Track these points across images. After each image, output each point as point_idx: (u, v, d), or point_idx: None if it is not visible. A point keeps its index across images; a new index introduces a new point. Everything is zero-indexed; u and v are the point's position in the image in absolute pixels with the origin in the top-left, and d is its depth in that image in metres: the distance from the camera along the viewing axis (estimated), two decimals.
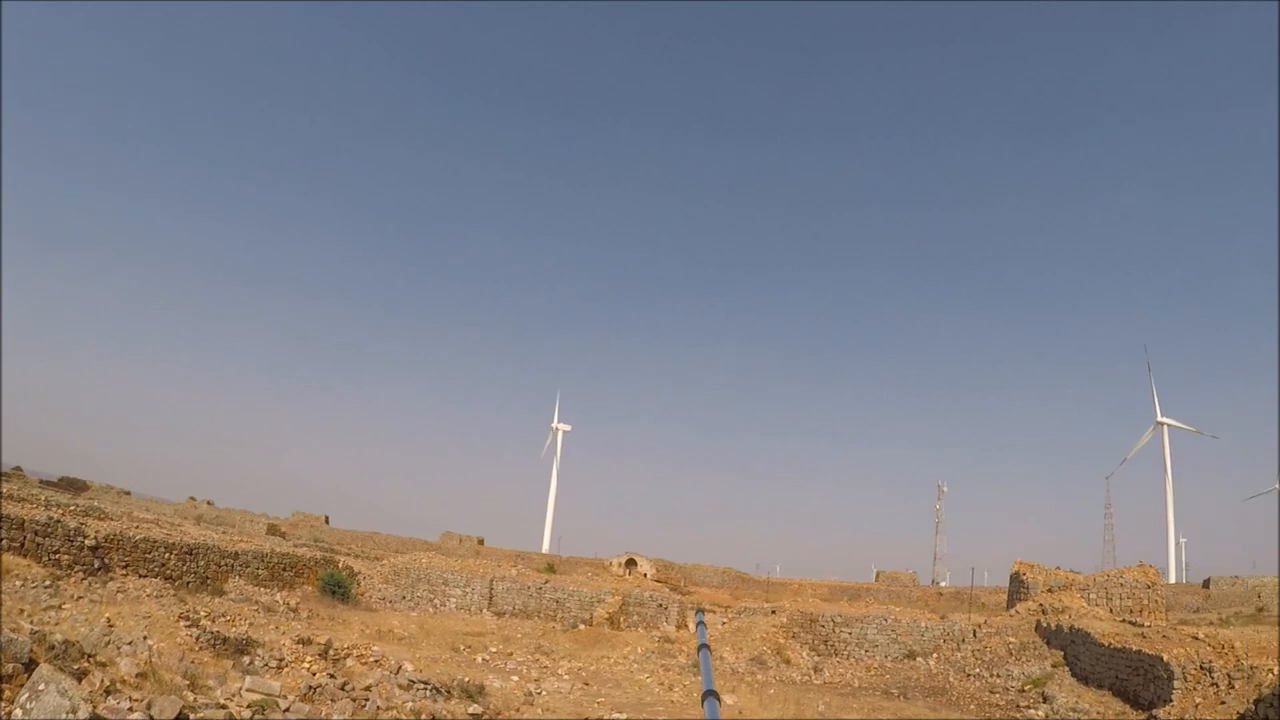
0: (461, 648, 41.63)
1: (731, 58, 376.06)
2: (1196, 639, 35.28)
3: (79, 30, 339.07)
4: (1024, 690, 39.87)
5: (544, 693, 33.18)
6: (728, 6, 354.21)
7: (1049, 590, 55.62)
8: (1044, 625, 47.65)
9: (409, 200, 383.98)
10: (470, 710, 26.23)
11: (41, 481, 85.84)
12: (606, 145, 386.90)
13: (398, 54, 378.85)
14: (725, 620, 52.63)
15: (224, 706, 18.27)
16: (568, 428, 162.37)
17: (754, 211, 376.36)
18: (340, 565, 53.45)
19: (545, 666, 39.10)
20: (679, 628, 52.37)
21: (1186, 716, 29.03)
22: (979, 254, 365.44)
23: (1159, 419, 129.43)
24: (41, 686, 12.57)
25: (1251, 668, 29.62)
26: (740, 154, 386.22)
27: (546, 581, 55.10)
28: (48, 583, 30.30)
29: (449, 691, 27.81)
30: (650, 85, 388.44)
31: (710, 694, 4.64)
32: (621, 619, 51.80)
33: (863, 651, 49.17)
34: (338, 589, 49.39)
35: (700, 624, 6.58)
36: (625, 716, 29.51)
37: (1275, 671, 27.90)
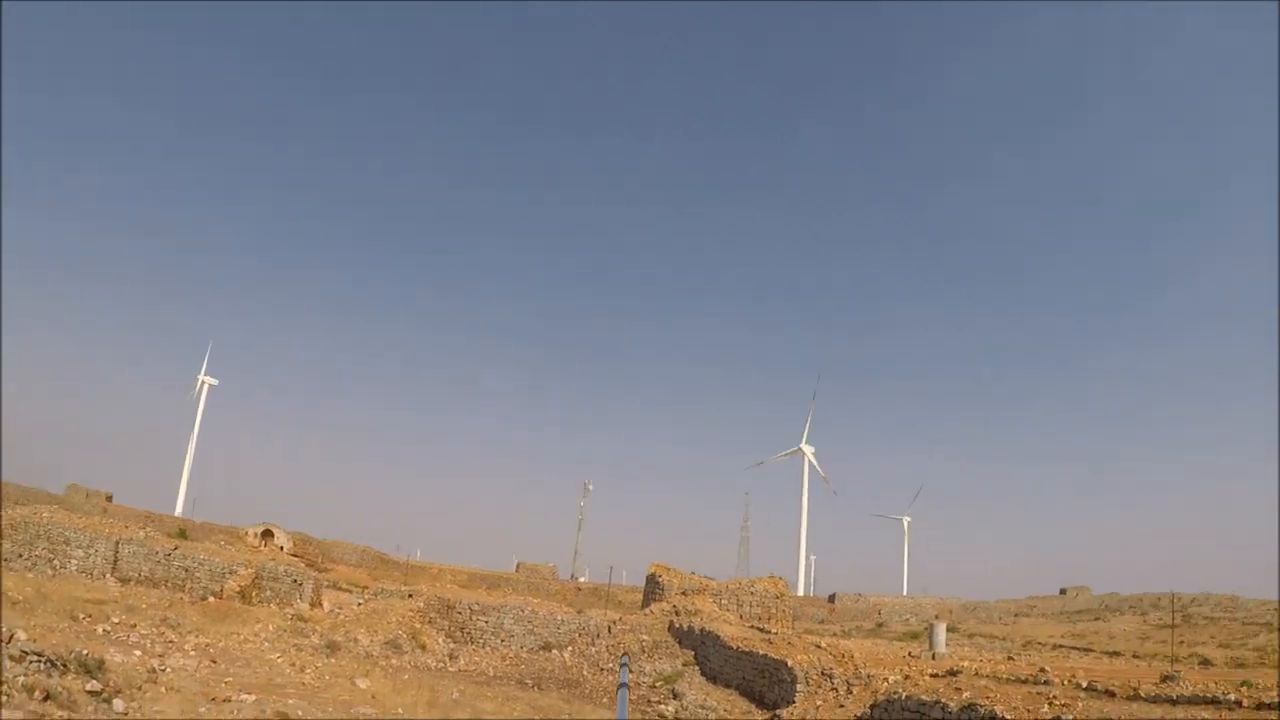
0: (81, 616, 38.42)
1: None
2: (819, 647, 37.39)
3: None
4: (655, 686, 40.94)
5: (169, 670, 31.05)
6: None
7: (683, 593, 57.63)
8: (677, 626, 49.25)
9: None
10: (88, 687, 24.16)
11: None
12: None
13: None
14: (361, 601, 51.39)
15: None
16: (215, 382, 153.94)
17: (402, 179, 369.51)
18: None
19: (171, 641, 36.68)
20: (313, 606, 50.58)
21: (808, 716, 30.61)
22: (632, 247, 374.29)
23: (802, 446, 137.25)
24: None
25: (869, 675, 31.62)
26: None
27: (176, 548, 51.84)
28: None
29: (65, 665, 25.62)
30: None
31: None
32: (254, 593, 49.47)
33: (499, 641, 49.18)
34: None
35: (624, 666, 6.25)
36: (254, 698, 28.10)
37: (890, 680, 29.83)
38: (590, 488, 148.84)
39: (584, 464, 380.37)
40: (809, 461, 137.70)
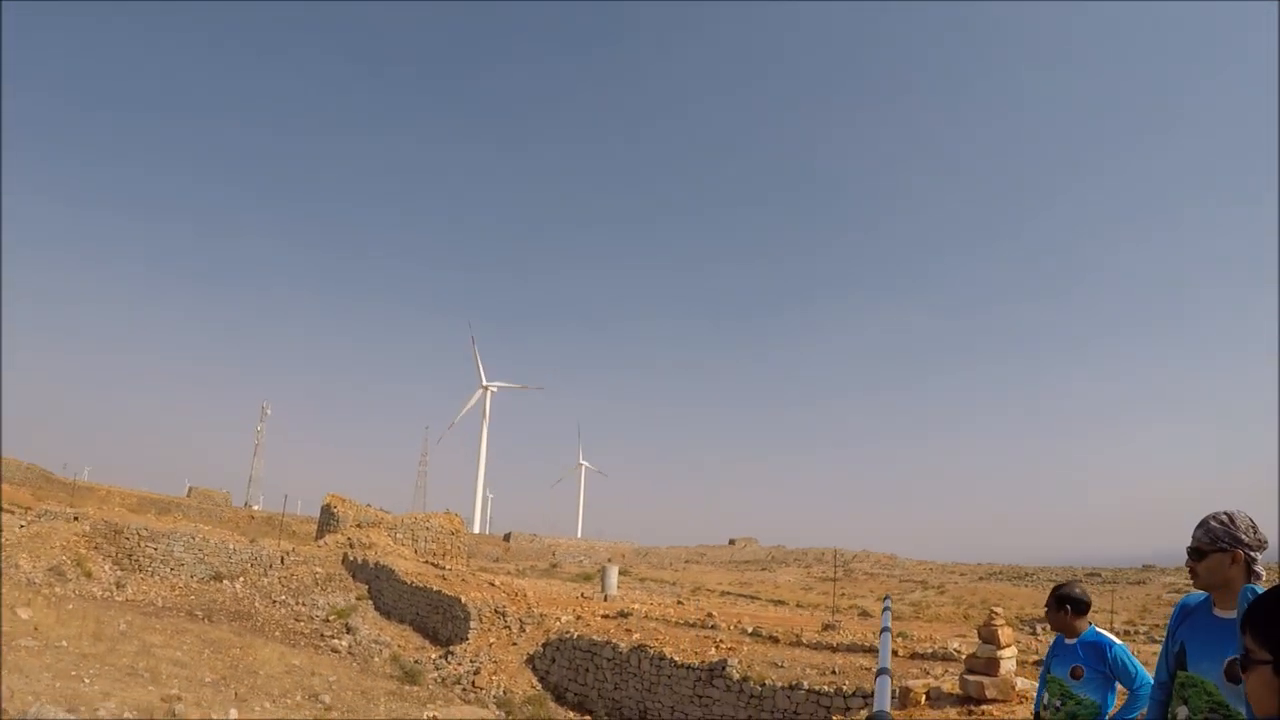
0: None
1: None
2: (493, 585, 38.85)
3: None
4: (329, 620, 41.26)
5: None
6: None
7: (359, 525, 57.90)
8: (351, 559, 49.58)
9: None
10: None
11: None
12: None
13: None
14: (24, 524, 48.92)
15: None
16: None
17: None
18: None
19: None
20: None
21: (481, 655, 31.90)
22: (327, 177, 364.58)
23: (485, 383, 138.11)
24: None
25: (542, 615, 33.29)
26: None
27: None
28: None
29: None
30: None
31: (883, 671, 4.90)
32: None
33: (169, 570, 47.90)
34: None
35: (887, 609, 6.67)
36: None
37: (563, 620, 31.45)
38: (269, 411, 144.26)
39: (263, 386, 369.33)
40: (490, 398, 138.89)
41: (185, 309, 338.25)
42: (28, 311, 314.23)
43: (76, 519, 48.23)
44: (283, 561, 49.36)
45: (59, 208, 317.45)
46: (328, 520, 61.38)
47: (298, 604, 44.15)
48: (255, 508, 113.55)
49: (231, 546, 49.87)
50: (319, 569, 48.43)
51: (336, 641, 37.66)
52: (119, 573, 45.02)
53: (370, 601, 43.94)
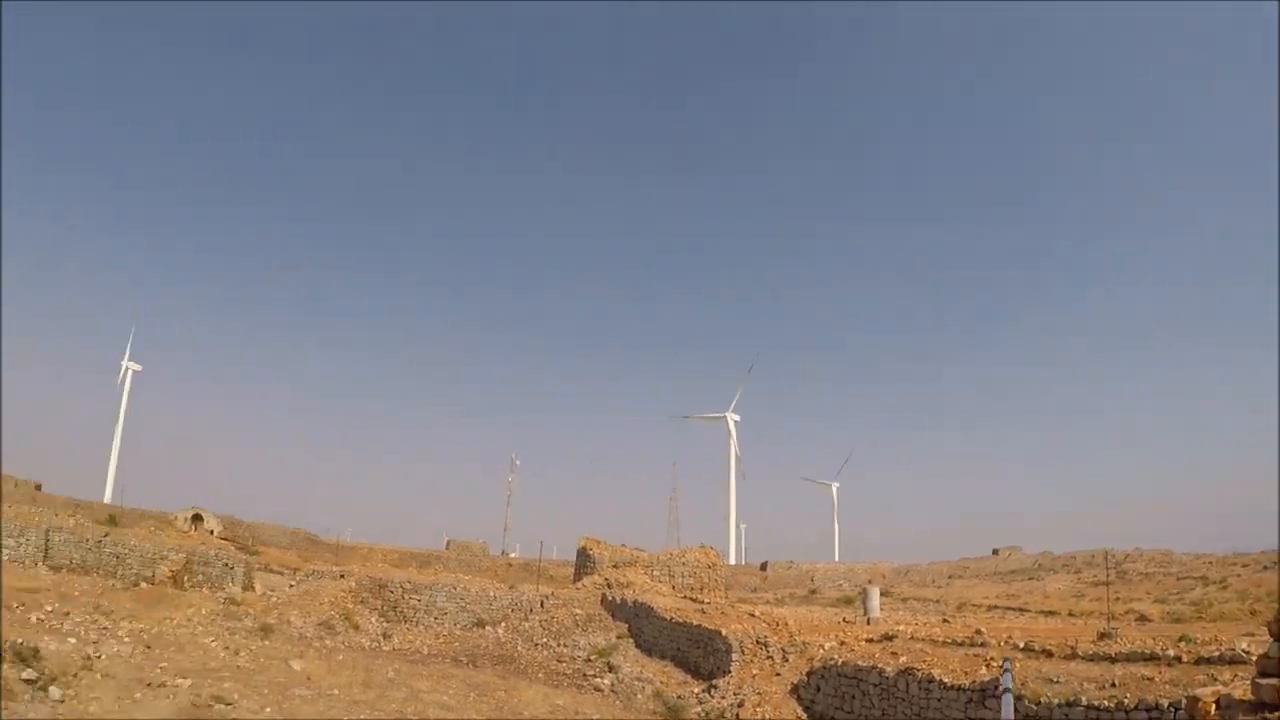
0: (15, 605, 37.63)
1: None
2: (753, 616, 37.83)
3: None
4: (590, 660, 41.10)
5: (103, 656, 30.66)
6: None
7: (615, 566, 57.85)
8: (609, 599, 49.49)
9: None
10: (24, 676, 23.88)
11: None
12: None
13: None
14: (294, 583, 50.95)
15: None
16: (139, 368, 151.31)
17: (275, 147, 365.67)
18: None
19: (105, 628, 36.16)
20: (246, 589, 50.13)
21: (744, 686, 30.94)
22: (549, 218, 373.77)
23: (727, 414, 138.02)
24: None
25: (804, 643, 32.05)
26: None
27: (107, 535, 51.03)
28: None
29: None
30: None
31: None
32: (186, 578, 48.82)
33: (432, 619, 48.99)
34: None
35: (1006, 672, 6.26)
36: (189, 683, 27.87)
37: (826, 647, 30.25)
38: (517, 462, 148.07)
39: (510, 439, 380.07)
40: (731, 431, 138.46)
41: (426, 365, 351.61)
42: (283, 393, 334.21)
43: (342, 576, 49.92)
44: (543, 605, 49.74)
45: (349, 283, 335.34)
46: (584, 562, 61.78)
47: (559, 645, 44.29)
48: (512, 555, 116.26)
49: (492, 594, 50.64)
50: (578, 610, 48.55)
51: (599, 680, 37.41)
52: (385, 624, 46.26)
53: (630, 640, 43.62)
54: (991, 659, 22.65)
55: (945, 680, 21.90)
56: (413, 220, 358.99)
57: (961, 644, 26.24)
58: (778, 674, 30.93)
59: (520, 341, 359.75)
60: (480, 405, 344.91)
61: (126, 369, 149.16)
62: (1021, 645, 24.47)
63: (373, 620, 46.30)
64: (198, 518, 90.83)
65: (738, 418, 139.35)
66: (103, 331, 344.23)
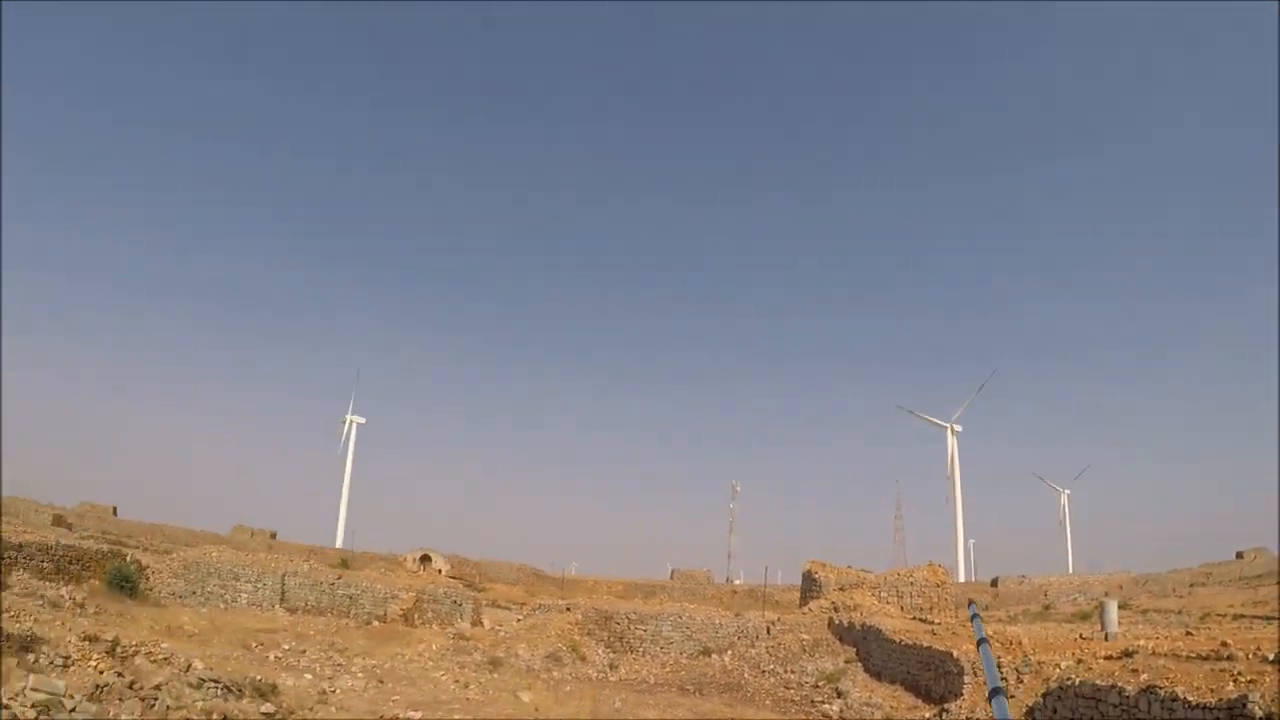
0: (253, 645, 39.68)
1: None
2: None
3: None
4: (818, 685, 40.30)
5: (338, 691, 31.87)
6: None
7: (841, 589, 56.73)
8: (836, 622, 48.48)
9: (172, 171, 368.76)
10: (263, 709, 24.92)
11: None
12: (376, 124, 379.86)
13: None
14: (520, 617, 51.87)
15: (6, 706, 16.81)
16: (362, 420, 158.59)
17: (534, 195, 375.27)
18: (129, 559, 50.34)
19: (339, 664, 37.63)
20: (474, 624, 51.36)
21: (976, 710, 29.70)
22: (765, 246, 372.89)
23: (951, 424, 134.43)
24: None
25: (1039, 662, 30.50)
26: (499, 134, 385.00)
27: (340, 577, 53.24)
28: None
29: (241, 690, 26.43)
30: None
31: (998, 691, 4.12)
32: (416, 616, 50.45)
33: (658, 648, 49.03)
34: (126, 583, 46.57)
35: (975, 616, 6.01)
36: (420, 715, 28.56)
37: (1062, 666, 28.75)
38: (738, 489, 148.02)
39: (730, 466, 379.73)
40: (952, 443, 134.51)
41: (641, 396, 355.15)
42: (502, 433, 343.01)
43: (568, 609, 50.51)
44: (769, 631, 49.14)
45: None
46: (809, 587, 60.83)
47: (786, 672, 43.60)
48: (737, 582, 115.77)
49: (717, 621, 50.36)
50: (805, 635, 47.73)
51: (827, 707, 36.61)
52: (611, 655, 46.53)
53: (859, 664, 42.56)
54: (1239, 674, 20.98)
55: (1190, 699, 20.37)
56: (611, 250, 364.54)
57: (1206, 658, 24.43)
58: (1012, 696, 29.52)
59: (734, 364, 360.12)
60: (698, 433, 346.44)
61: (350, 422, 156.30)
62: (1271, 657, 22.64)
63: (599, 651, 46.66)
64: (426, 558, 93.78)
65: (960, 429, 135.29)
66: (323, 379, 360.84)
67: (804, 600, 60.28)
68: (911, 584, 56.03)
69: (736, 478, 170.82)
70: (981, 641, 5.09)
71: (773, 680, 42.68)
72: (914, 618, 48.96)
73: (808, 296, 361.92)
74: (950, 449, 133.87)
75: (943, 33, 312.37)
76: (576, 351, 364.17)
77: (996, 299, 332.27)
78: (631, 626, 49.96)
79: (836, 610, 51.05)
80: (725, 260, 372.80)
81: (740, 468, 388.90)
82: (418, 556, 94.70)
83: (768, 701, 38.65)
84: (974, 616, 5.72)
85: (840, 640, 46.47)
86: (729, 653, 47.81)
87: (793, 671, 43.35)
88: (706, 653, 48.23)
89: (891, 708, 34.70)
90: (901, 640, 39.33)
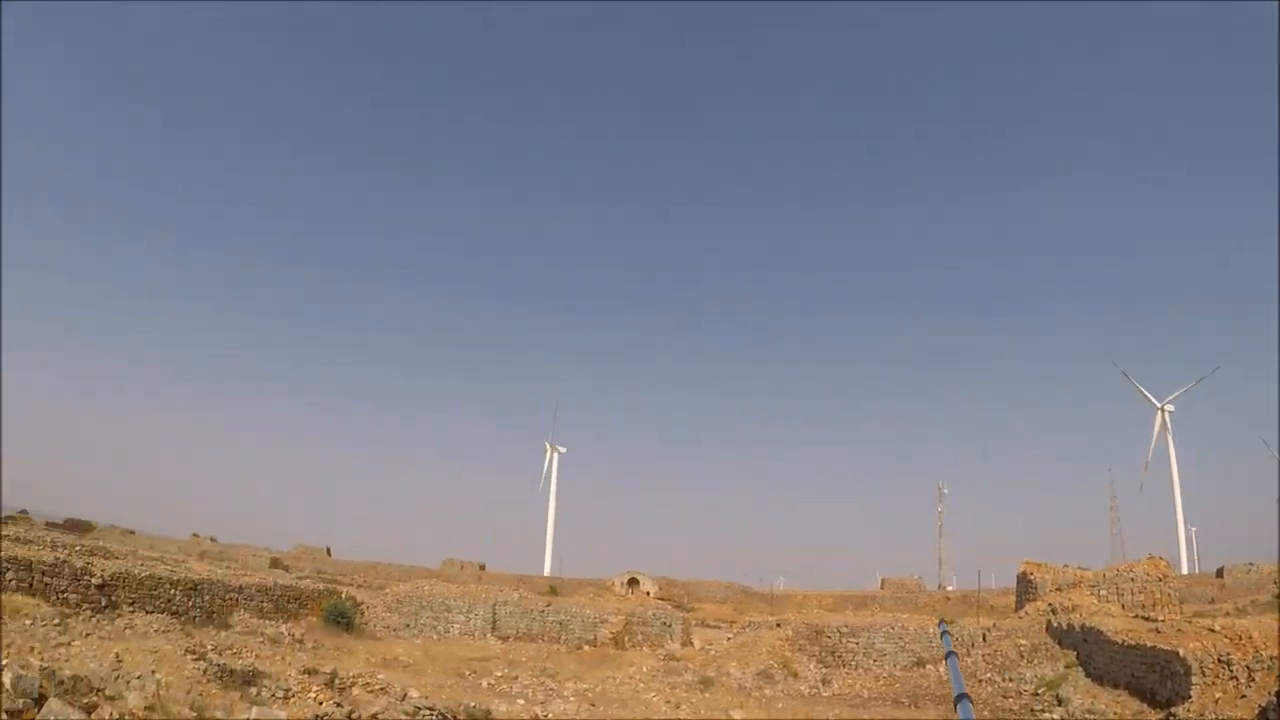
0: (466, 673, 41.26)
1: (709, 58, 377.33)
2: (1213, 631, 34.87)
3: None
4: (1038, 693, 39.40)
5: (550, 715, 32.90)
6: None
7: (1058, 589, 55.18)
8: (1055, 625, 47.26)
9: (383, 218, 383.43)
10: None
11: (48, 524, 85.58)
12: (591, 155, 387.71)
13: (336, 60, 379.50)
14: (730, 636, 52.23)
15: None
16: (564, 450, 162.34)
17: (736, 215, 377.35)
18: (343, 595, 53.13)
19: (551, 689, 38.76)
20: (684, 645, 51.98)
21: (1206, 713, 28.63)
22: (966, 251, 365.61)
23: (1162, 405, 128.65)
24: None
25: (1271, 658, 29.25)
26: (720, 158, 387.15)
27: (549, 604, 54.76)
28: (56, 621, 30.08)
29: (455, 717, 27.61)
30: (618, 89, 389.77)
31: (963, 697, 4.57)
32: (626, 638, 51.43)
33: (871, 661, 48.70)
34: (342, 619, 49.15)
35: (945, 634, 6.55)
36: None
37: None
38: (945, 491, 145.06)
39: (933, 468, 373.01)
40: (1170, 420, 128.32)
41: (839, 403, 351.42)
42: (702, 451, 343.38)
43: (778, 625, 50.70)
44: (984, 638, 48.27)
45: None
46: (1025, 589, 59.34)
47: (1004, 680, 42.74)
48: (949, 588, 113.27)
49: (931, 631, 49.76)
50: (1022, 641, 46.70)
51: (1047, 715, 35.78)
52: (823, 670, 46.50)
53: (1080, 668, 41.36)
54: None
55: None
56: (809, 261, 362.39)
57: None
58: (1243, 696, 28.39)
59: (935, 372, 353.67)
60: (901, 437, 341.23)
61: (552, 453, 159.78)
62: None
63: (811, 666, 46.66)
64: (634, 581, 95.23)
65: (1173, 409, 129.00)
66: (523, 411, 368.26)
67: (1020, 603, 58.85)
68: (1131, 579, 54.02)
69: (941, 479, 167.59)
70: (950, 655, 5.44)
71: (990, 689, 41.92)
72: (1135, 616, 47.28)
73: (1000, 295, 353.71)
74: (1163, 430, 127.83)
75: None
76: (772, 364, 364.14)
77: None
78: (843, 640, 49.77)
79: (1054, 612, 49.74)
80: (917, 261, 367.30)
81: (944, 469, 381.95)
82: (625, 580, 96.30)
83: (986, 711, 37.99)
84: (944, 634, 6.06)
85: (1059, 644, 45.28)
86: (944, 662, 47.15)
87: (1010, 679, 42.47)
88: (921, 663, 47.72)
89: (1115, 714, 33.70)
90: (1123, 641, 38.14)
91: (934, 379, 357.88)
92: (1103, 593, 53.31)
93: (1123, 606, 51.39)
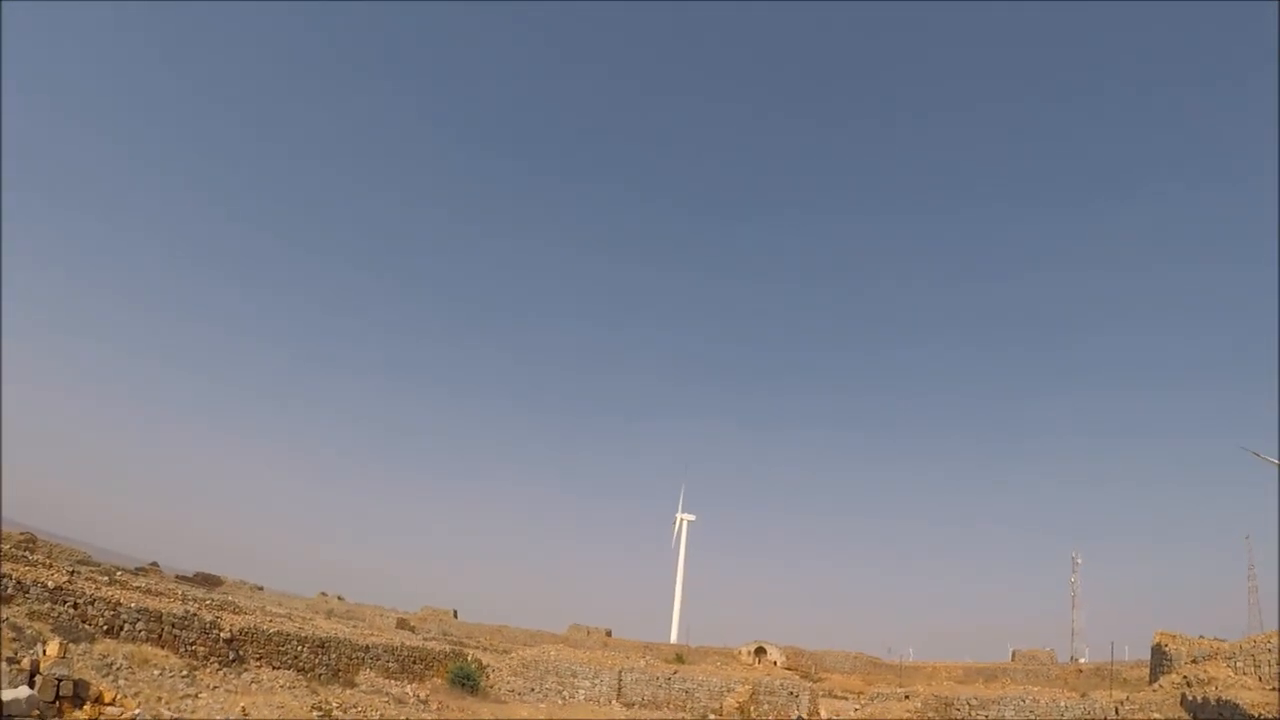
0: None
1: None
2: None
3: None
4: None
5: None
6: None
7: (1193, 661, 53.99)
8: (1189, 699, 46.35)
9: (509, 289, 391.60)
10: None
11: (177, 576, 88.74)
12: (705, 234, 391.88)
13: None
14: (858, 707, 52.17)
15: None
16: (692, 518, 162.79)
17: (846, 290, 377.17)
18: (469, 658, 54.34)
19: None
20: (811, 715, 52.02)
21: None
22: (1090, 323, 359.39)
23: None
24: None
25: None
26: (823, 232, 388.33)
27: (675, 672, 55.28)
28: (184, 672, 31.72)
29: None
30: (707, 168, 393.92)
31: None
32: (752, 708, 51.71)
33: None
34: (467, 681, 50.25)
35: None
36: None
37: None
38: (1079, 560, 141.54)
39: (1067, 539, 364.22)
40: None
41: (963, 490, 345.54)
42: (829, 522, 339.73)
43: (907, 697, 50.59)
44: (1117, 712, 47.56)
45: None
46: (1159, 661, 58.16)
47: None
48: (1081, 660, 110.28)
49: (1063, 704, 49.20)
50: (1156, 715, 45.88)
51: None
52: None
53: None
54: None
55: None
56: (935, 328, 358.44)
57: None
58: None
59: (1066, 444, 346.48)
60: (1031, 508, 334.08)
61: (681, 521, 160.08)
62: None
63: None
64: (761, 650, 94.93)
65: None
66: (659, 488, 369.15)
67: (1154, 676, 57.67)
68: (1269, 651, 52.58)
69: (1075, 549, 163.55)
70: None
71: None
72: (1273, 689, 46.19)
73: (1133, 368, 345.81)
74: None
75: None
76: (904, 436, 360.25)
77: None
78: (973, 712, 49.41)
79: (1189, 685, 48.73)
80: (1048, 332, 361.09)
81: (1077, 539, 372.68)
82: (752, 649, 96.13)
83: None
84: None
85: (1194, 718, 44.42)
86: None
87: None
88: None
89: None
90: (1260, 715, 37.47)
91: (1073, 450, 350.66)
92: (1239, 664, 51.99)
93: (1260, 679, 50.07)
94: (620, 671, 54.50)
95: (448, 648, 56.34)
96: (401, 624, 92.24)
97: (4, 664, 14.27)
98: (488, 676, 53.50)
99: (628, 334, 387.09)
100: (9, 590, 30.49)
